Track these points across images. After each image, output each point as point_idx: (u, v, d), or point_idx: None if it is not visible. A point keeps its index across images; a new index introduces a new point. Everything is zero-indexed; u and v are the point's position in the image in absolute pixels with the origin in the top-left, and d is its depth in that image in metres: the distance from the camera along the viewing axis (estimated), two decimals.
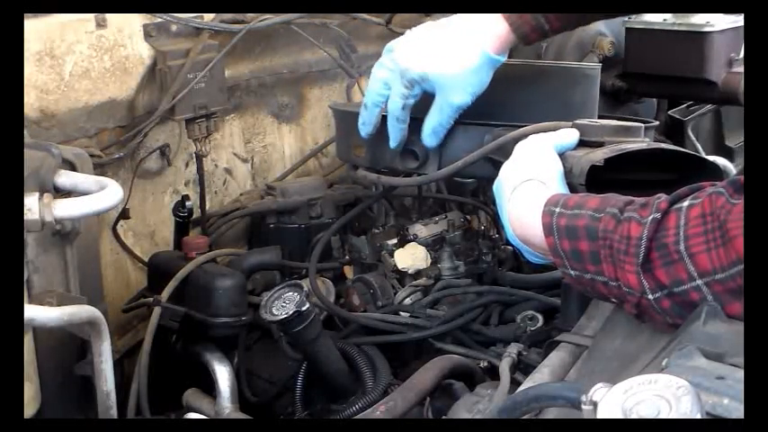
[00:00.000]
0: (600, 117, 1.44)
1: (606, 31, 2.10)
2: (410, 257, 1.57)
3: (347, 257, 1.67)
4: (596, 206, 0.98)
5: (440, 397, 1.28)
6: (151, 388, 1.50)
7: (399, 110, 1.37)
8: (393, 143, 1.41)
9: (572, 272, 1.00)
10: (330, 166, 2.11)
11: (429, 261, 1.58)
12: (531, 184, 1.11)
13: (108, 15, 1.60)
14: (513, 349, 1.31)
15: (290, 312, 1.34)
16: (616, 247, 0.93)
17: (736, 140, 2.52)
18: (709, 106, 2.42)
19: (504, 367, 1.26)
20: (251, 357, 1.60)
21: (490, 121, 1.38)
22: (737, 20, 2.01)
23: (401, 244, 1.60)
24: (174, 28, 1.70)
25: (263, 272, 1.70)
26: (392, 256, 1.57)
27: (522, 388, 1.05)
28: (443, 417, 1.24)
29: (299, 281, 1.52)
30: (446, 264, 1.58)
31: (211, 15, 1.73)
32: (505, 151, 1.20)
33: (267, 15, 1.80)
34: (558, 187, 1.11)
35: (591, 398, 0.71)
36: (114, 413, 1.24)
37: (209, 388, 1.51)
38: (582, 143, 1.21)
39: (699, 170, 1.20)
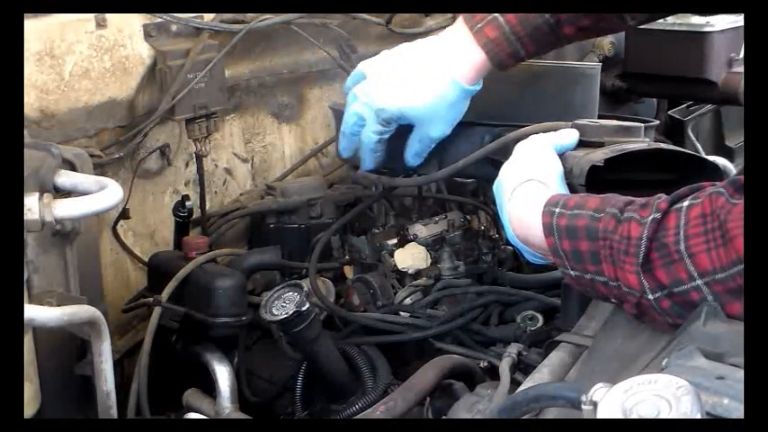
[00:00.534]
0: (600, 117, 1.44)
1: None
2: (410, 257, 1.57)
3: (347, 257, 1.67)
4: (596, 206, 0.98)
5: (440, 397, 1.28)
6: (151, 388, 1.50)
7: (374, 143, 1.39)
8: (368, 167, 1.43)
9: (572, 272, 1.00)
10: (330, 166, 2.11)
11: (429, 261, 1.58)
12: (531, 184, 1.11)
13: (108, 15, 1.60)
14: (513, 349, 1.31)
15: (290, 312, 1.34)
16: (616, 248, 0.93)
17: (736, 140, 2.53)
18: (709, 106, 2.42)
19: (504, 367, 1.26)
20: (251, 357, 1.60)
21: (490, 121, 1.38)
22: (737, 20, 2.01)
23: (401, 244, 1.60)
24: (174, 28, 1.70)
25: (263, 272, 1.70)
26: (392, 256, 1.57)
27: (522, 388, 1.05)
28: (443, 417, 1.24)
29: (299, 281, 1.52)
30: (446, 264, 1.58)
31: (211, 15, 1.73)
32: (505, 151, 1.20)
33: (267, 15, 1.80)
34: (558, 187, 1.11)
35: (591, 398, 0.71)
36: (114, 413, 1.24)
37: (209, 388, 1.51)
38: (582, 143, 1.21)
39: (699, 170, 1.20)
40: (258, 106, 2.02)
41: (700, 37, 2.02)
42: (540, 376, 1.12)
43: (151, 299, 1.54)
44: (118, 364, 1.52)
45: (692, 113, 2.42)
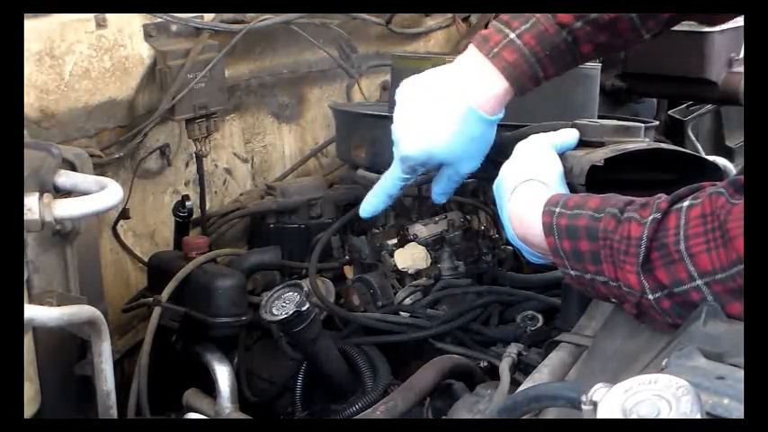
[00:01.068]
0: (600, 117, 1.44)
1: None
2: (410, 257, 1.57)
3: (347, 257, 1.67)
4: (596, 206, 0.98)
5: (440, 397, 1.28)
6: (151, 388, 1.50)
7: (396, 189, 1.30)
8: (373, 211, 1.33)
9: (572, 272, 1.00)
10: (330, 166, 2.11)
11: (429, 261, 1.58)
12: (531, 184, 1.11)
13: (108, 15, 1.60)
14: (513, 349, 1.31)
15: (290, 312, 1.34)
16: (616, 248, 0.93)
17: (736, 140, 2.53)
18: (709, 106, 2.42)
19: (504, 367, 1.26)
20: (251, 357, 1.60)
21: None
22: (737, 20, 2.01)
23: (401, 244, 1.60)
24: (174, 28, 1.70)
25: (263, 272, 1.70)
26: (392, 256, 1.57)
27: (522, 388, 1.05)
28: (443, 417, 1.24)
29: (299, 281, 1.52)
30: (446, 264, 1.58)
31: (211, 15, 1.73)
32: (505, 151, 1.20)
33: (267, 15, 1.80)
34: (558, 187, 1.11)
35: (591, 398, 0.71)
36: (114, 413, 1.24)
37: (209, 388, 1.51)
38: (582, 143, 1.21)
39: (699, 170, 1.20)
40: (258, 106, 2.02)
41: (700, 37, 2.02)
42: (540, 376, 1.12)
43: (151, 299, 1.54)
44: (118, 364, 1.52)
45: (692, 113, 2.42)
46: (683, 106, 2.42)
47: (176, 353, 1.57)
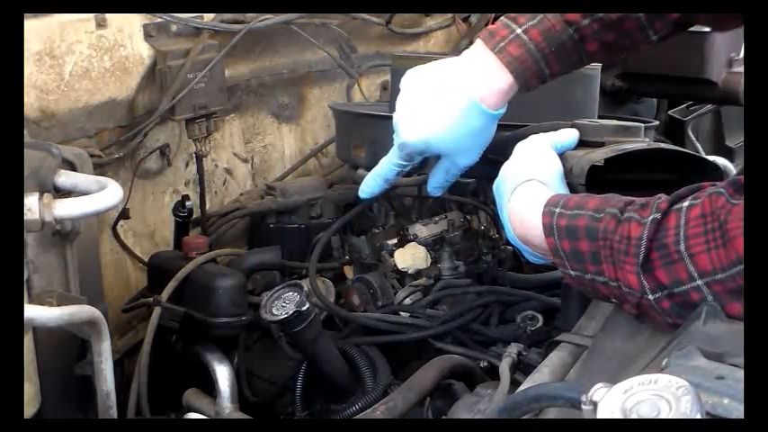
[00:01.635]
0: (600, 117, 1.44)
1: None
2: (410, 257, 1.57)
3: (347, 257, 1.67)
4: (596, 206, 0.98)
5: (440, 397, 1.28)
6: (151, 388, 1.50)
7: (393, 176, 1.31)
8: (370, 193, 1.34)
9: (572, 272, 1.00)
10: (330, 166, 2.11)
11: (429, 261, 1.58)
12: (531, 184, 1.11)
13: (108, 15, 1.60)
14: (513, 349, 1.31)
15: (290, 312, 1.34)
16: (616, 248, 0.93)
17: (736, 140, 2.53)
18: (709, 106, 2.42)
19: (504, 367, 1.26)
20: (251, 357, 1.60)
21: None
22: None
23: (401, 244, 1.60)
24: (174, 28, 1.70)
25: (263, 272, 1.70)
26: (392, 256, 1.57)
27: (522, 388, 1.05)
28: (443, 417, 1.24)
29: (299, 281, 1.52)
30: (446, 264, 1.58)
31: (211, 15, 1.73)
32: (505, 151, 1.20)
33: (267, 15, 1.80)
34: (558, 187, 1.11)
35: (591, 398, 0.71)
36: (114, 413, 1.24)
37: (209, 388, 1.51)
38: (582, 143, 1.21)
39: (699, 170, 1.20)
40: (258, 106, 2.02)
41: (700, 37, 2.02)
42: (540, 376, 1.12)
43: (151, 299, 1.54)
44: (118, 364, 1.52)
45: (692, 113, 2.42)
46: (683, 106, 2.42)
47: (176, 353, 1.57)
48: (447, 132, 1.23)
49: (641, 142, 1.23)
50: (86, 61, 1.58)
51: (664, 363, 0.76)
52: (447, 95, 1.22)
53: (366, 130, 1.55)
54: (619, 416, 0.67)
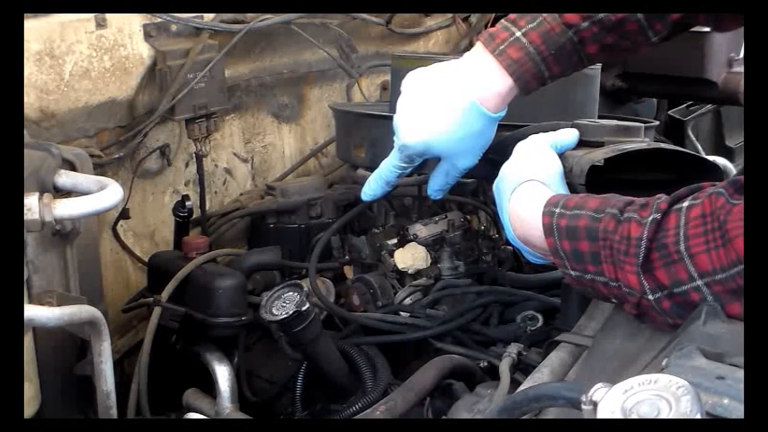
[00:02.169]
0: (600, 117, 1.44)
1: None
2: (410, 257, 1.57)
3: (347, 257, 1.67)
4: (596, 206, 0.98)
5: (440, 397, 1.28)
6: (151, 388, 1.50)
7: (394, 178, 1.32)
8: (372, 196, 1.35)
9: (572, 272, 1.00)
10: (330, 166, 2.11)
11: (429, 261, 1.58)
12: (532, 184, 1.11)
13: (108, 15, 1.60)
14: (513, 349, 1.31)
15: (290, 312, 1.34)
16: (616, 248, 0.93)
17: (736, 140, 2.53)
18: (709, 106, 2.42)
19: (504, 367, 1.26)
20: (251, 357, 1.60)
21: None
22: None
23: (401, 244, 1.60)
24: (174, 28, 1.70)
25: (263, 272, 1.70)
26: (392, 256, 1.57)
27: (522, 388, 1.05)
28: (443, 417, 1.24)
29: (299, 281, 1.52)
30: (446, 264, 1.58)
31: (211, 15, 1.73)
32: (505, 151, 1.20)
33: (267, 15, 1.80)
34: (558, 187, 1.11)
35: (591, 398, 0.71)
36: (114, 413, 1.24)
37: (209, 388, 1.51)
38: (582, 143, 1.21)
39: (699, 170, 1.20)
40: (258, 106, 2.02)
41: (700, 37, 2.02)
42: (540, 376, 1.12)
43: (151, 299, 1.54)
44: (118, 364, 1.52)
45: (692, 113, 2.42)
46: (683, 106, 2.42)
47: (176, 353, 1.57)
48: (447, 134, 1.24)
49: (641, 142, 1.23)
50: (86, 61, 1.58)
51: (664, 363, 0.76)
52: (447, 98, 1.23)
53: (366, 131, 1.56)
54: (619, 416, 0.67)
